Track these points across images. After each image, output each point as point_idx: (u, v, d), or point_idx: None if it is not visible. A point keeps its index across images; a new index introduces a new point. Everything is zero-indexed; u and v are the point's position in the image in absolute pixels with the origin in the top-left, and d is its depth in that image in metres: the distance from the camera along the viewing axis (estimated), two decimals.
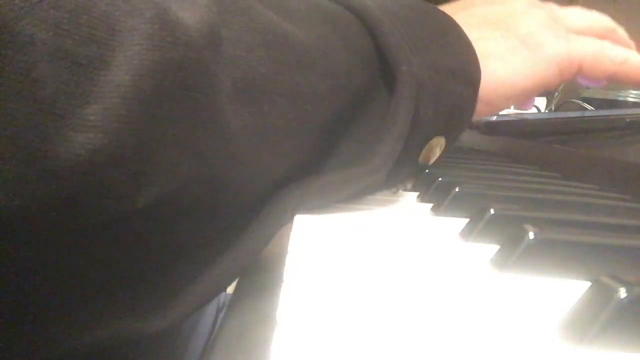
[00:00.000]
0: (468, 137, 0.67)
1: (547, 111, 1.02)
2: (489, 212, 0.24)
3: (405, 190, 0.37)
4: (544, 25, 0.38)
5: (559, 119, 0.56)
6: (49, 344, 0.21)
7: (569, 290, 0.19)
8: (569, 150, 0.43)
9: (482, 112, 0.36)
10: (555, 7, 0.41)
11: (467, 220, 0.25)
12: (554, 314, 0.16)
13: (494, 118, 0.57)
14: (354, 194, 0.30)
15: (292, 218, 0.26)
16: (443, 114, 0.31)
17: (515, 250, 0.20)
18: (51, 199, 0.17)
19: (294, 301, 0.16)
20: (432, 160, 0.34)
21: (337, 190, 0.28)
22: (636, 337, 0.14)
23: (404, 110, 0.28)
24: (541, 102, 1.05)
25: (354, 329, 0.15)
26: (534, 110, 0.96)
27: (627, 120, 0.52)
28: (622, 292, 0.14)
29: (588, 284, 0.16)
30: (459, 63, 0.32)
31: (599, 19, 0.42)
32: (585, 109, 0.81)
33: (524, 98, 0.38)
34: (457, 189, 0.29)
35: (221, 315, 0.54)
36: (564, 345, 0.14)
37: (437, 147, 0.33)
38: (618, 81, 0.41)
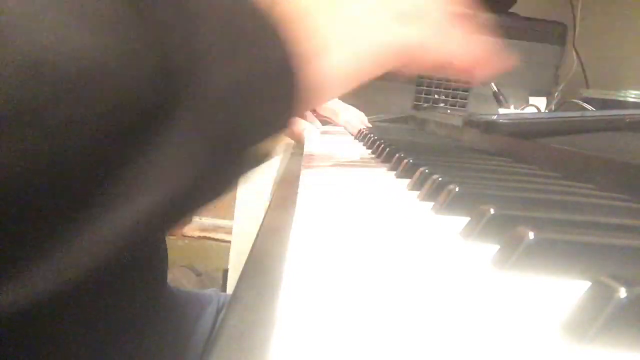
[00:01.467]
0: (468, 137, 0.67)
1: (547, 111, 1.02)
2: (489, 212, 0.24)
3: (405, 190, 0.37)
4: (368, 11, 0.36)
5: (559, 119, 0.56)
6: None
7: (569, 290, 0.19)
8: (569, 150, 0.43)
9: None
10: None
11: (467, 219, 0.25)
12: (554, 313, 0.16)
13: (494, 117, 0.57)
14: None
15: None
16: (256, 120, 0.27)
17: (515, 250, 0.20)
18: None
19: (294, 301, 0.16)
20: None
21: None
22: (636, 336, 0.14)
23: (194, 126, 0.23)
24: (541, 102, 1.05)
25: (354, 329, 0.15)
26: (534, 110, 0.96)
27: (627, 120, 0.52)
28: (622, 292, 0.14)
29: (588, 284, 0.16)
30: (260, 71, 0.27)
31: (440, 5, 0.39)
32: (585, 109, 0.81)
33: (340, 89, 0.35)
34: (457, 189, 0.29)
35: (221, 315, 0.55)
36: (564, 345, 0.15)
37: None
38: (446, 72, 0.40)
